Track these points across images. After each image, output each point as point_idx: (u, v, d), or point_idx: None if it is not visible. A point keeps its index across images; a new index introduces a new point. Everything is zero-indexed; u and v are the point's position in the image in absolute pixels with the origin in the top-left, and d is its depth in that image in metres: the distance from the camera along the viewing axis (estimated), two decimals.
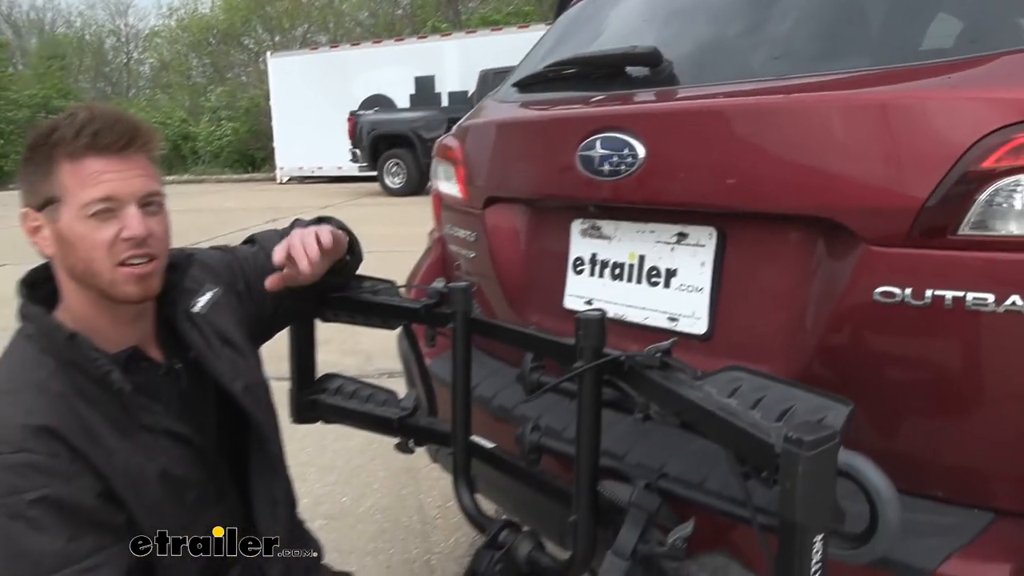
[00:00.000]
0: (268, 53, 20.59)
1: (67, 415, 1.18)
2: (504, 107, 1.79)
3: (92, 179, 1.17)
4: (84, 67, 35.65)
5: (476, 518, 1.41)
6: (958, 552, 0.94)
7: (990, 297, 0.93)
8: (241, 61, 33.13)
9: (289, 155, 18.94)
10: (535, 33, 15.76)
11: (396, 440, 1.65)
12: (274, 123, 19.29)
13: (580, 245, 1.52)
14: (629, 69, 1.46)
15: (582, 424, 1.14)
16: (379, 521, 2.73)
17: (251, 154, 23.80)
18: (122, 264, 1.18)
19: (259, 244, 1.55)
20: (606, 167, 1.35)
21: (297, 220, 1.52)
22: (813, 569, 0.74)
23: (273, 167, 19.80)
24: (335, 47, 19.04)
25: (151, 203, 1.23)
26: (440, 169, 1.95)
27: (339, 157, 16.68)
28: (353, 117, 14.90)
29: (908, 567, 0.94)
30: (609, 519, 1.16)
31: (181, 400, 1.34)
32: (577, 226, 1.53)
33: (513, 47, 14.37)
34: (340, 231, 1.46)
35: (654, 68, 1.40)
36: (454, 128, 1.97)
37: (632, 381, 1.08)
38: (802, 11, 1.30)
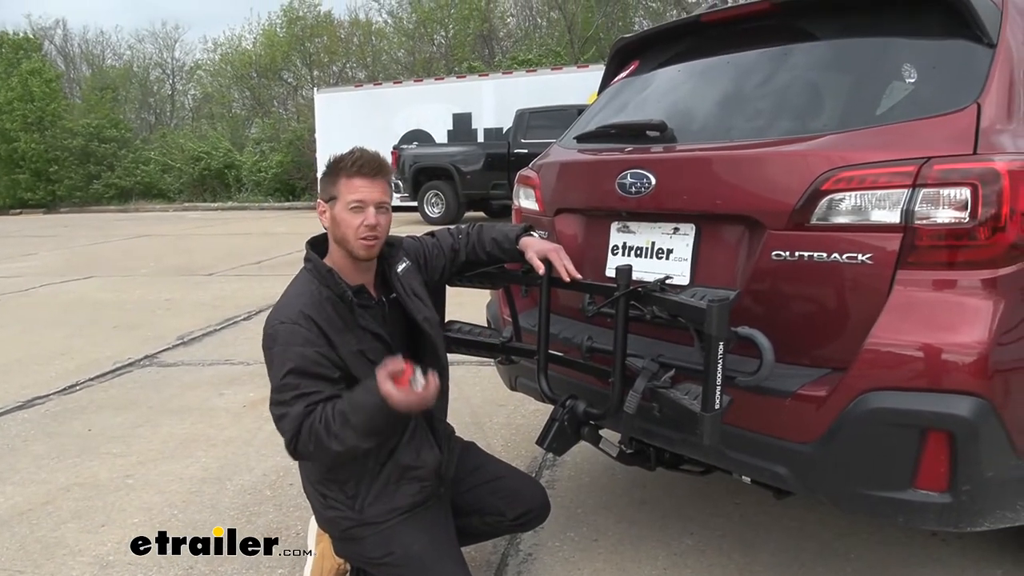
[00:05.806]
0: (315, 88, 21.19)
1: (321, 311, 1.94)
2: (567, 151, 2.65)
3: (354, 189, 1.98)
4: (130, 97, 36.76)
5: (551, 396, 2.24)
6: (806, 384, 1.81)
7: (824, 255, 1.79)
8: (280, 95, 34.11)
9: None
10: (567, 75, 16.38)
11: (496, 362, 2.55)
12: (318, 154, 19.75)
13: (616, 237, 2.34)
14: (648, 132, 2.31)
15: (617, 329, 1.99)
16: None
17: (292, 183, 24.49)
18: (361, 239, 1.99)
19: (437, 237, 2.36)
20: (632, 189, 2.17)
21: (471, 223, 2.38)
22: (718, 359, 1.64)
23: (314, 196, 20.28)
24: (378, 84, 19.58)
25: (382, 207, 2.01)
26: (521, 191, 2.80)
27: None
28: (396, 151, 15.38)
29: (781, 391, 1.82)
30: (631, 381, 1.99)
31: (383, 318, 2.10)
32: (615, 226, 2.35)
33: (546, 87, 15.17)
34: None
35: (662, 132, 2.26)
36: (531, 164, 2.80)
37: (644, 301, 1.98)
38: (740, 108, 2.18)
